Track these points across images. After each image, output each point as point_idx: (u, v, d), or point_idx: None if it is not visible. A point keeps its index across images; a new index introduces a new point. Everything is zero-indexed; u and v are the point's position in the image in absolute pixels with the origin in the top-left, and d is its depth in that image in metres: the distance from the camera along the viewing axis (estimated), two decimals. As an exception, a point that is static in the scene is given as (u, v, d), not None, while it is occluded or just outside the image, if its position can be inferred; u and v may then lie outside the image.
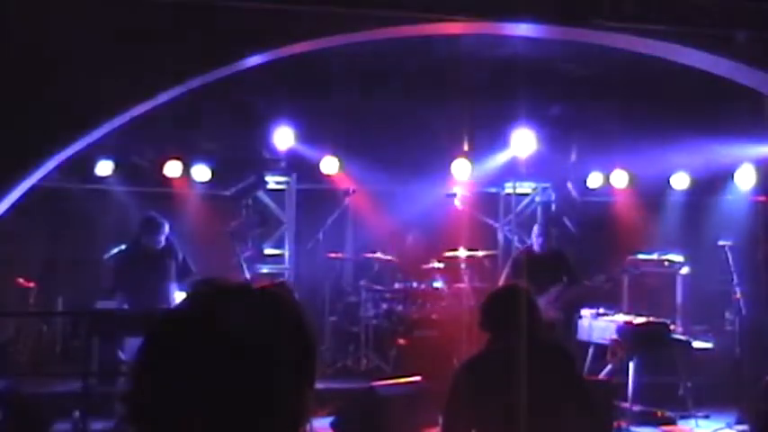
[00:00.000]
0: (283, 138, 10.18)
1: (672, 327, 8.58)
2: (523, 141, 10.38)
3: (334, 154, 10.44)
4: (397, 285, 9.97)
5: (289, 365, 1.26)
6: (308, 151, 10.51)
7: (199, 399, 1.22)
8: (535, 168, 10.95)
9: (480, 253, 10.04)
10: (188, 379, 1.22)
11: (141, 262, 8.14)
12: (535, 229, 9.49)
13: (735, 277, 8.39)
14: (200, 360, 1.23)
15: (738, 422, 8.00)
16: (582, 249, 10.79)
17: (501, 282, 9.26)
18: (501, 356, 3.78)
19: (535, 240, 9.27)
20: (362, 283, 9.99)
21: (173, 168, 10.15)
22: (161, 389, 1.23)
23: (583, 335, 8.68)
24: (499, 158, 10.82)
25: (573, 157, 11.16)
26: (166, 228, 8.18)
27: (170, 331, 1.28)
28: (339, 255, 10.13)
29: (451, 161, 10.60)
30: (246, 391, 1.23)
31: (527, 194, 11.71)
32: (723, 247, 8.51)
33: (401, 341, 9.49)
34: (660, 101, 10.21)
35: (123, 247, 8.61)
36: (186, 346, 1.25)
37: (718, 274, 9.04)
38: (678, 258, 10.15)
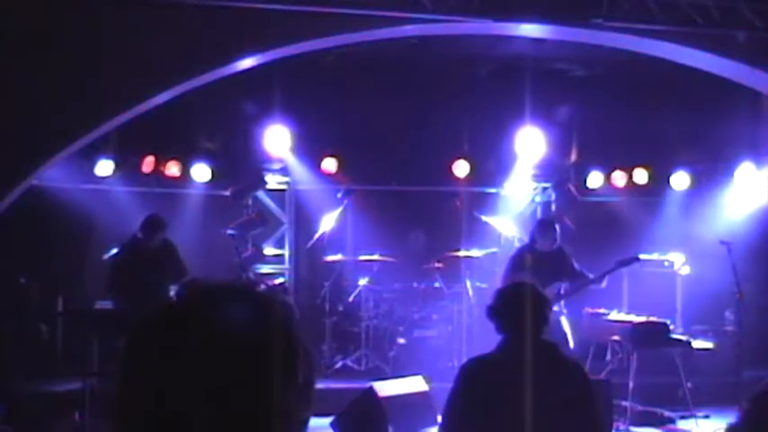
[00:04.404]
0: (283, 138, 10.18)
1: (672, 327, 8.58)
2: (530, 142, 10.38)
3: (334, 154, 10.44)
4: (397, 285, 9.96)
5: (277, 366, 1.26)
6: (307, 151, 10.51)
7: (184, 398, 1.21)
8: (535, 168, 10.95)
9: (480, 253, 10.04)
10: (174, 378, 1.21)
11: (139, 262, 8.14)
12: (541, 226, 9.38)
13: (735, 277, 8.37)
14: (186, 359, 1.22)
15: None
16: (582, 249, 10.78)
17: (500, 278, 9.16)
18: (511, 361, 3.65)
19: (540, 237, 9.15)
20: (362, 283, 9.99)
21: (173, 168, 10.14)
22: (146, 388, 1.22)
23: (583, 335, 8.67)
24: (500, 158, 10.82)
25: (573, 157, 11.15)
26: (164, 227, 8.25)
27: (155, 330, 1.27)
28: (338, 256, 10.11)
29: (451, 161, 10.60)
30: (232, 391, 1.22)
31: (527, 194, 11.70)
32: (723, 246, 8.50)
33: (401, 341, 9.49)
34: (660, 100, 10.20)
35: (122, 247, 8.60)
36: (172, 345, 1.23)
37: (719, 274, 9.02)
38: (678, 258, 10.13)
